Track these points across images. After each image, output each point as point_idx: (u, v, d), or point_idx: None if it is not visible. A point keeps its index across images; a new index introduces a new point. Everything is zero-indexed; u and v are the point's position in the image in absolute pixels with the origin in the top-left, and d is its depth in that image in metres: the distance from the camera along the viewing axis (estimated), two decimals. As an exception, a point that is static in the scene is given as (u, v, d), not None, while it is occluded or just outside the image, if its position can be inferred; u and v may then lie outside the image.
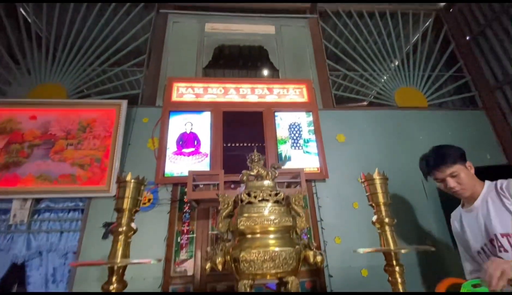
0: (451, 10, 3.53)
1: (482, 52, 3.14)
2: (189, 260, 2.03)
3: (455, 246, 1.65)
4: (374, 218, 1.15)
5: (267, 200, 1.02)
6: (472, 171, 1.37)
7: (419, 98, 2.95)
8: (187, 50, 2.98)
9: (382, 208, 1.13)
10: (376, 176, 1.17)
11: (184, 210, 2.14)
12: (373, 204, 1.16)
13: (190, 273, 1.99)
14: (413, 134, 2.66)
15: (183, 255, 2.03)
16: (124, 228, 0.99)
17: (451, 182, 1.38)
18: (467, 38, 3.31)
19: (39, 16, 2.99)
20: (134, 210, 1.04)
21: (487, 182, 1.34)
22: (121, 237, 0.99)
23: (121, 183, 1.04)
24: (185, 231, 2.08)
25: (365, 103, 4.09)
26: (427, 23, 3.50)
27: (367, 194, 1.23)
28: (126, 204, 1.02)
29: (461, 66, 3.21)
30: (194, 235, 2.10)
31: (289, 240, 0.96)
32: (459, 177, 1.34)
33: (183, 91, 2.56)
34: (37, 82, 2.64)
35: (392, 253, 1.04)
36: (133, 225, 1.03)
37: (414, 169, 2.45)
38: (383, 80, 3.08)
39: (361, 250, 1.13)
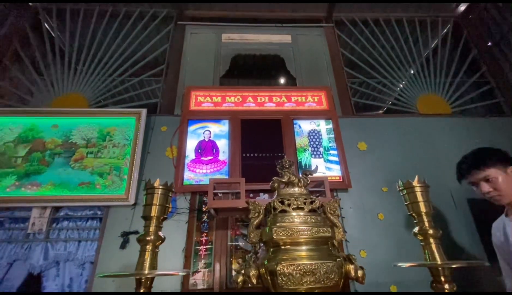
0: (469, 16, 3.46)
1: (506, 57, 3.03)
2: (207, 272, 1.96)
3: (491, 260, 1.51)
4: (416, 229, 1.06)
5: (302, 208, 0.95)
6: None
7: (442, 105, 2.85)
8: (204, 60, 3.01)
9: (425, 218, 1.05)
10: (416, 184, 1.10)
11: (203, 220, 2.08)
12: (414, 214, 1.08)
13: (206, 285, 1.91)
14: (438, 142, 2.55)
15: (201, 266, 1.96)
16: (152, 237, 0.95)
17: (485, 187, 1.30)
18: (489, 43, 3.22)
19: (63, 30, 3.11)
20: (162, 218, 1.00)
21: None
22: (149, 247, 0.94)
23: (149, 189, 1.00)
24: (203, 241, 2.02)
25: (380, 112, 4.01)
26: (446, 30, 3.43)
27: (406, 203, 1.15)
28: (154, 211, 0.98)
29: (484, 72, 3.11)
30: (213, 246, 2.03)
31: (328, 252, 0.89)
32: (495, 181, 1.26)
33: (201, 100, 2.56)
34: (60, 92, 2.71)
35: (440, 268, 0.95)
36: (160, 233, 0.98)
37: (441, 178, 2.36)
38: (402, 87, 3.00)
39: (404, 265, 1.04)
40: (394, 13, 3.45)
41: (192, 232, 2.06)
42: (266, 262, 0.86)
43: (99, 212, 2.16)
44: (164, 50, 3.11)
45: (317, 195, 2.02)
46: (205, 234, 2.05)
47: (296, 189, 1.04)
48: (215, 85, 2.84)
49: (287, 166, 1.08)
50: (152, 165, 2.32)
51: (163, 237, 0.99)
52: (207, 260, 1.99)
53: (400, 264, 1.04)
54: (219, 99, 2.58)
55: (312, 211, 0.96)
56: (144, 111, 2.38)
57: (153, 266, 0.93)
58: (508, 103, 2.84)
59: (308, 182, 1.07)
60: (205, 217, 2.09)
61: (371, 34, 3.32)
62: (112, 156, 2.25)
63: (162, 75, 2.97)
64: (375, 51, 3.23)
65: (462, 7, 3.48)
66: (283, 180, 1.05)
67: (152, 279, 0.91)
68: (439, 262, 0.96)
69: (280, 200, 0.97)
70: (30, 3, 3.20)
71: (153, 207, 1.00)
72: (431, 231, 1.01)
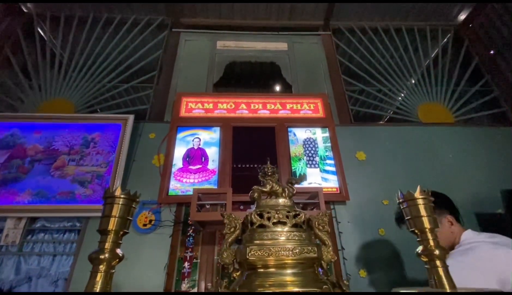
0: (470, 25, 3.39)
1: (509, 65, 2.93)
2: (192, 291, 1.78)
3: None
4: (420, 248, 0.90)
5: (284, 223, 0.81)
6: (453, 227, 1.16)
7: (445, 114, 2.72)
8: (198, 67, 2.94)
9: (429, 235, 0.89)
10: (418, 195, 0.95)
11: (188, 233, 1.93)
12: (417, 231, 0.93)
13: (192, 307, 1.73)
14: (441, 153, 2.41)
15: (184, 286, 1.79)
16: (106, 255, 0.80)
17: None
18: (491, 52, 3.13)
19: (56, 36, 3.06)
20: (121, 232, 0.85)
21: (464, 235, 1.13)
22: (102, 267, 0.79)
23: (108, 198, 0.86)
24: (188, 257, 1.86)
25: (381, 122, 3.89)
26: (446, 38, 3.36)
27: (407, 217, 0.99)
28: (113, 224, 0.83)
29: (487, 80, 3.00)
30: (198, 261, 1.86)
31: (314, 277, 0.74)
32: None
33: (192, 107, 2.46)
34: (47, 97, 2.62)
35: (449, 297, 0.79)
36: (118, 251, 0.83)
37: (446, 190, 2.20)
38: (402, 95, 2.90)
39: (404, 291, 0.88)
40: (392, 22, 3.39)
41: (176, 247, 1.90)
42: (238, 288, 0.71)
43: (78, 224, 2.01)
44: (158, 56, 3.04)
45: (311, 207, 1.87)
46: (190, 249, 1.89)
47: (280, 200, 0.90)
48: (208, 92, 2.75)
49: (269, 173, 0.95)
50: (137, 173, 2.19)
51: (121, 255, 0.84)
52: (191, 278, 1.82)
53: (401, 290, 0.89)
54: (210, 106, 2.48)
55: (296, 225, 0.82)
56: (131, 117, 2.28)
57: (106, 289, 0.78)
58: (514, 113, 2.72)
59: (294, 191, 0.93)
60: (191, 231, 1.93)
61: (369, 43, 3.25)
62: (95, 164, 2.13)
63: (154, 82, 2.88)
64: (374, 60, 3.15)
65: (462, 16, 3.42)
66: (265, 190, 0.92)
67: (102, 306, 0.75)
68: (447, 289, 0.80)
69: (258, 212, 0.83)
70: (25, 10, 3.18)
71: (112, 219, 0.85)
72: (437, 252, 0.85)
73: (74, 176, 2.08)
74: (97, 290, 0.76)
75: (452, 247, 1.15)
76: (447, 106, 2.77)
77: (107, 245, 0.82)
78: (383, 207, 2.10)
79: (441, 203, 1.21)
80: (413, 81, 2.98)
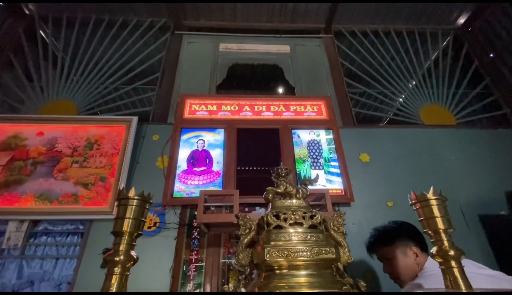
0: (470, 28, 3.44)
1: (509, 68, 2.97)
2: (197, 295, 1.77)
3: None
4: (434, 249, 0.90)
5: (300, 224, 0.81)
6: (418, 259, 1.11)
7: (447, 116, 2.75)
8: (201, 69, 2.94)
9: (443, 236, 0.88)
10: (431, 196, 0.95)
11: (193, 236, 1.91)
12: (430, 232, 0.93)
13: (197, 310, 1.71)
14: (444, 154, 2.43)
15: (190, 288, 1.77)
16: (121, 257, 0.79)
17: (385, 267, 1.19)
18: (491, 55, 3.17)
19: (58, 38, 3.05)
20: (135, 234, 0.84)
21: (426, 264, 1.08)
22: (117, 269, 0.78)
23: (122, 200, 0.85)
24: (193, 260, 1.84)
25: (385, 123, 3.91)
26: (446, 42, 3.40)
27: (420, 218, 1.00)
28: (127, 226, 0.83)
29: (488, 83, 3.04)
30: (203, 264, 1.85)
31: (333, 278, 0.74)
32: (393, 262, 1.13)
33: (195, 108, 2.46)
34: (49, 99, 2.61)
35: (465, 298, 0.79)
36: (133, 253, 0.83)
37: (450, 192, 2.21)
38: (404, 97, 2.92)
39: (420, 292, 0.88)
40: (393, 25, 3.42)
41: (181, 249, 1.88)
42: (257, 290, 0.70)
43: (81, 227, 1.99)
44: (160, 58, 3.04)
45: (317, 209, 1.86)
46: (195, 251, 1.88)
47: (294, 201, 0.90)
48: (211, 94, 2.75)
49: (283, 174, 0.94)
50: (141, 175, 2.18)
51: (135, 257, 0.83)
52: (196, 281, 1.80)
53: (417, 291, 0.89)
54: (214, 107, 2.48)
55: (313, 227, 0.81)
56: (134, 119, 2.27)
57: (121, 290, 0.77)
58: (515, 115, 2.75)
59: (308, 192, 0.93)
60: (196, 233, 1.92)
61: (371, 45, 3.28)
62: (98, 166, 2.11)
63: (156, 84, 2.88)
64: (375, 62, 3.18)
65: (462, 20, 3.46)
66: (279, 191, 0.91)
67: (118, 309, 0.74)
68: (464, 289, 0.80)
69: (274, 213, 0.82)
70: (27, 12, 3.17)
71: (126, 220, 0.84)
72: (452, 252, 0.85)
73: (78, 178, 2.06)
74: (114, 291, 0.75)
75: (414, 277, 1.10)
76: (449, 108, 2.80)
77: (122, 247, 0.81)
78: (388, 209, 2.10)
79: (405, 233, 1.17)
80: (414, 83, 3.01)
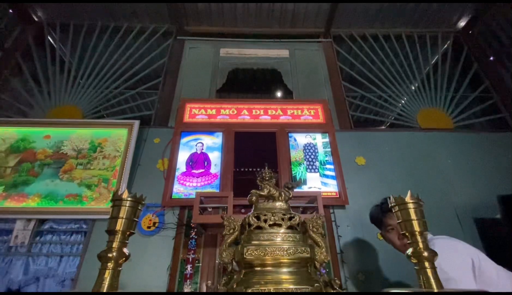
0: (470, 32, 3.43)
1: (509, 71, 2.96)
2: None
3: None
4: (410, 250, 0.95)
5: (280, 225, 0.86)
6: None
7: (444, 120, 2.76)
8: (202, 74, 3.02)
9: (419, 238, 0.93)
10: (409, 200, 1.00)
11: (191, 236, 1.98)
12: (407, 234, 0.97)
13: (193, 308, 1.78)
14: (440, 157, 2.44)
15: (186, 287, 1.84)
16: (114, 254, 0.86)
17: (387, 236, 1.43)
18: (491, 58, 3.16)
19: (65, 44, 3.18)
20: (128, 233, 0.91)
21: (428, 237, 1.29)
22: (110, 265, 0.85)
23: (116, 201, 0.92)
24: (190, 259, 1.90)
25: (382, 127, 3.93)
26: (446, 45, 3.40)
27: (398, 221, 1.04)
28: (120, 225, 0.90)
29: (487, 86, 3.03)
30: (200, 265, 1.91)
31: (307, 275, 0.79)
32: (394, 232, 1.38)
33: (195, 112, 2.53)
34: (56, 104, 2.72)
35: (437, 297, 0.83)
36: (125, 250, 0.89)
37: (445, 194, 2.23)
38: (403, 101, 2.94)
39: (394, 291, 0.92)
40: (393, 29, 3.45)
41: (179, 249, 1.95)
42: (235, 286, 0.76)
43: (84, 226, 2.08)
44: (163, 63, 3.13)
45: (311, 211, 1.91)
46: (192, 251, 1.94)
47: (277, 203, 0.95)
48: (211, 98, 2.82)
49: (267, 178, 1.00)
50: (142, 177, 2.26)
51: (127, 254, 0.90)
52: (193, 280, 1.87)
53: (390, 290, 0.93)
54: (213, 111, 2.55)
55: (291, 228, 0.87)
56: (136, 123, 2.36)
57: (113, 286, 0.84)
58: (513, 119, 2.74)
59: (290, 195, 0.99)
60: (193, 233, 1.98)
61: (370, 49, 3.31)
62: (101, 168, 2.21)
63: (159, 88, 2.97)
64: (374, 66, 3.20)
65: (462, 23, 3.46)
66: (263, 193, 0.97)
67: (110, 301, 0.81)
68: (435, 289, 0.84)
69: (256, 215, 0.88)
70: (36, 18, 3.31)
71: (119, 220, 0.91)
72: (426, 253, 0.90)
73: (82, 180, 2.15)
74: (106, 287, 0.82)
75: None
76: (447, 112, 2.81)
77: (115, 245, 0.88)
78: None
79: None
80: (413, 88, 3.02)
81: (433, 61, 3.27)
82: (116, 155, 2.27)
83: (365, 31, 3.41)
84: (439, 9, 3.30)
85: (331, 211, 2.13)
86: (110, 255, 0.86)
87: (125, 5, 3.17)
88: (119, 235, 0.91)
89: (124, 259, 0.90)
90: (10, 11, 3.14)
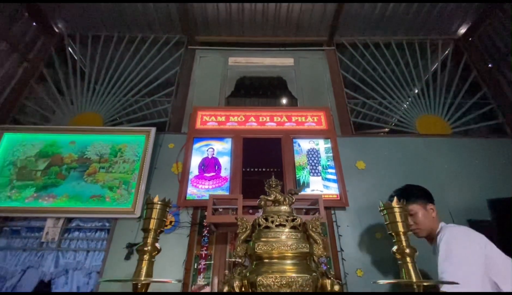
0: (470, 39, 3.54)
1: (506, 78, 3.07)
2: (206, 286, 2.02)
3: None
4: (394, 248, 1.12)
5: (284, 225, 1.04)
6: (433, 214, 1.43)
7: (442, 126, 2.89)
8: (211, 82, 3.21)
9: (402, 237, 1.10)
10: (395, 205, 1.17)
11: (203, 234, 2.18)
12: (393, 233, 1.14)
13: (206, 299, 1.97)
14: (437, 162, 2.58)
15: (200, 280, 2.03)
16: (149, 248, 1.06)
17: (408, 220, 1.44)
18: (490, 65, 3.27)
19: (84, 54, 3.41)
20: (159, 231, 1.11)
21: (441, 224, 1.40)
22: (146, 256, 1.04)
23: (149, 204, 1.12)
24: (203, 255, 2.10)
25: (386, 130, 4.06)
26: (446, 52, 3.52)
27: (386, 223, 1.22)
28: (153, 224, 1.09)
29: (485, 93, 3.15)
30: (212, 262, 2.10)
31: (306, 266, 0.97)
32: (416, 216, 1.43)
33: (206, 119, 2.73)
34: (78, 111, 2.96)
35: (415, 286, 1.00)
36: (157, 245, 1.09)
37: (440, 198, 2.37)
38: (403, 108, 3.08)
39: (382, 282, 1.09)
40: (394, 36, 3.57)
41: (193, 245, 2.15)
42: (248, 274, 0.95)
43: (107, 224, 2.30)
44: (175, 72, 3.34)
45: (313, 212, 2.09)
46: (205, 247, 2.14)
47: (282, 207, 1.13)
48: (220, 105, 3.02)
49: (273, 186, 1.18)
50: (158, 180, 2.46)
51: (159, 248, 1.10)
52: (206, 274, 2.06)
53: (379, 281, 1.10)
54: (223, 118, 2.74)
55: (294, 228, 1.05)
56: (153, 130, 2.56)
57: (149, 274, 1.03)
58: (510, 124, 2.85)
59: (293, 200, 1.17)
60: (206, 231, 2.18)
61: (371, 57, 3.45)
62: (122, 171, 2.42)
63: (172, 96, 3.17)
64: (375, 74, 3.34)
65: (463, 30, 3.57)
66: (270, 198, 1.15)
67: (147, 285, 1.01)
68: (414, 280, 1.01)
69: (264, 217, 1.06)
70: (57, 30, 3.55)
71: (152, 220, 1.11)
72: (407, 250, 1.07)
73: (104, 182, 2.37)
74: (144, 274, 1.02)
75: (431, 233, 1.41)
76: (445, 118, 2.94)
77: (149, 240, 1.09)
78: (380, 213, 2.28)
79: (424, 194, 1.49)
80: (412, 94, 3.16)
81: (433, 68, 3.39)
82: (135, 159, 2.48)
83: (367, 39, 3.55)
84: (440, 17, 3.41)
85: (333, 212, 2.29)
86: (146, 248, 1.07)
87: (139, 16, 3.38)
88: (152, 232, 1.11)
89: (156, 252, 1.10)
90: (34, 24, 3.39)
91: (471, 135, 2.86)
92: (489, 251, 1.19)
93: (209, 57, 3.43)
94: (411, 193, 1.48)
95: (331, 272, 0.99)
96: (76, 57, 3.44)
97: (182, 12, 3.27)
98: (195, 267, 2.08)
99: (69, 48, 3.49)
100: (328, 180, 2.40)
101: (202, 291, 2.00)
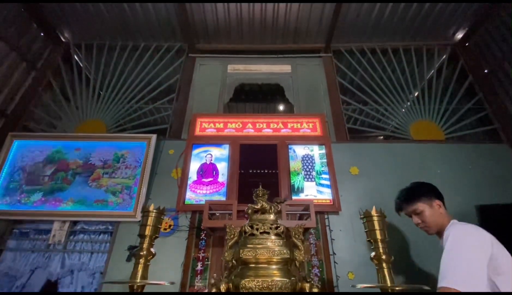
0: (466, 44, 3.57)
1: (502, 84, 3.10)
2: (204, 288, 2.11)
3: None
4: (372, 254, 1.20)
5: (268, 233, 1.13)
6: (441, 210, 1.41)
7: (435, 132, 2.94)
8: (211, 89, 3.32)
9: (380, 244, 1.19)
10: (373, 213, 1.25)
11: (201, 237, 2.27)
12: (372, 240, 1.23)
13: (203, 300, 2.06)
14: (430, 168, 2.63)
15: (198, 281, 2.13)
16: (144, 252, 1.16)
17: (414, 219, 1.47)
18: (485, 71, 3.31)
19: (89, 61, 3.55)
20: (154, 237, 1.21)
21: (452, 221, 1.36)
22: (142, 260, 1.15)
23: (145, 212, 1.22)
24: (200, 257, 2.20)
25: (381, 137, 4.10)
26: (443, 58, 3.56)
27: (365, 230, 1.30)
28: (148, 231, 1.20)
29: (480, 98, 3.18)
30: (209, 262, 2.20)
31: (287, 271, 1.06)
32: (423, 214, 1.42)
33: (205, 126, 2.83)
34: (83, 118, 3.09)
35: (389, 290, 1.08)
36: (152, 250, 1.19)
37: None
38: (396, 113, 3.13)
39: (359, 286, 1.18)
40: (391, 42, 3.63)
41: (191, 248, 2.25)
42: (233, 278, 1.04)
43: (110, 227, 2.41)
44: (176, 79, 3.45)
45: (306, 217, 2.17)
46: (202, 250, 2.23)
47: (267, 215, 1.22)
48: (219, 112, 3.12)
49: (260, 195, 1.27)
50: (159, 184, 2.57)
51: (154, 252, 1.20)
52: (203, 275, 2.16)
53: (358, 285, 1.18)
54: (221, 125, 2.84)
55: (277, 235, 1.14)
56: (154, 137, 2.67)
57: (144, 276, 1.14)
58: (504, 130, 2.89)
59: (279, 208, 1.26)
60: (203, 235, 2.27)
61: (368, 63, 3.51)
62: (124, 176, 2.53)
63: (173, 102, 3.28)
64: (372, 80, 3.40)
65: (459, 36, 3.61)
66: (256, 207, 1.24)
67: (143, 287, 1.11)
68: (389, 284, 1.09)
69: (250, 225, 1.16)
70: (63, 39, 3.70)
71: (147, 227, 1.21)
72: (384, 257, 1.15)
73: (108, 187, 2.49)
74: (139, 276, 1.12)
75: (441, 229, 1.38)
76: (439, 124, 2.98)
77: (145, 245, 1.19)
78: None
79: (429, 191, 1.48)
80: (408, 102, 3.21)
81: (429, 75, 3.44)
82: (136, 165, 2.59)
83: (364, 45, 3.61)
84: (436, 22, 3.46)
85: (326, 216, 2.37)
86: (142, 253, 1.17)
87: (142, 25, 3.50)
88: (147, 238, 1.21)
89: (151, 256, 1.20)
90: (42, 34, 3.54)
91: (466, 141, 2.91)
92: (495, 251, 1.15)
93: (208, 64, 3.54)
94: (415, 192, 1.49)
95: (311, 277, 1.07)
96: (81, 65, 3.58)
97: (182, 21, 3.38)
98: (194, 268, 2.18)
99: (75, 57, 3.62)
100: (322, 185, 2.48)
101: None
